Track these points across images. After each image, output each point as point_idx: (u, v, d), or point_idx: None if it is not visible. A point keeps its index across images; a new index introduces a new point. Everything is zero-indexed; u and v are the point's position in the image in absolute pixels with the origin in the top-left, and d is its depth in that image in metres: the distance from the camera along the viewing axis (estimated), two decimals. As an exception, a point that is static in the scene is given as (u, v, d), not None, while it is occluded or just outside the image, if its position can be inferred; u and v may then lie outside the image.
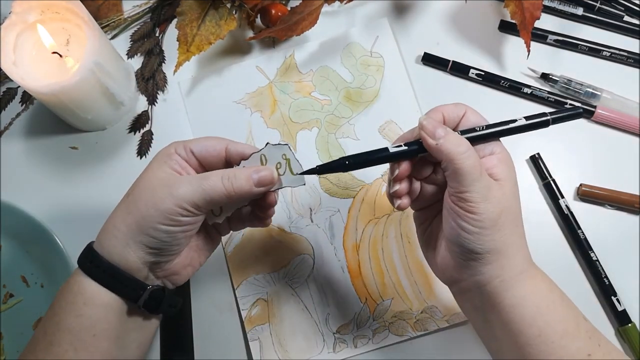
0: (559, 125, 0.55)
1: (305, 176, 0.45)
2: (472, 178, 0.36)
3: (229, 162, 0.41)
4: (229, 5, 0.55)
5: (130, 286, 0.38)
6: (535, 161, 0.54)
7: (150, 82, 0.57)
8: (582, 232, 0.52)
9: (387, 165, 0.54)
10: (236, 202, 0.41)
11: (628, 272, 0.52)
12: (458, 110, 0.41)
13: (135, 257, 0.38)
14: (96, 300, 0.38)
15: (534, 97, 0.55)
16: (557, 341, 0.36)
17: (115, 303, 0.38)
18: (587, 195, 0.53)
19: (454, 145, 0.37)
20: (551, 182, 0.53)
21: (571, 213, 0.52)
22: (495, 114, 0.55)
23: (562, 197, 0.53)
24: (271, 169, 0.40)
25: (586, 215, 0.53)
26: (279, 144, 0.41)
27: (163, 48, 0.58)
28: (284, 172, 0.41)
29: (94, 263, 0.38)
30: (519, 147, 0.55)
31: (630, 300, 0.50)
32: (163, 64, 0.58)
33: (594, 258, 0.51)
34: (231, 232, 0.52)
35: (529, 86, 0.55)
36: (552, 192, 0.53)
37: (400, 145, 0.39)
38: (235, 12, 0.56)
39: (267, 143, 0.41)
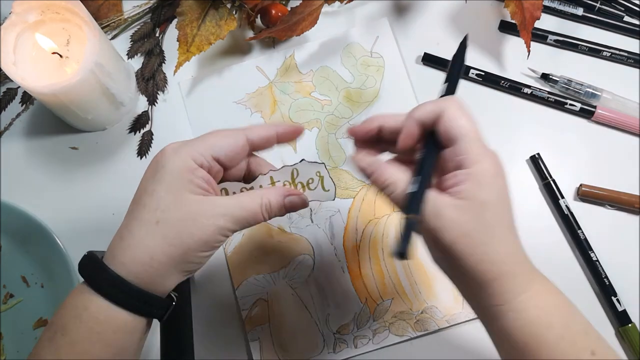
0: (559, 126, 0.55)
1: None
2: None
3: (253, 151, 0.41)
4: (229, 6, 0.55)
5: (159, 306, 0.37)
6: (535, 161, 0.54)
7: (151, 82, 0.57)
8: (582, 232, 0.52)
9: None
10: None
11: (628, 272, 0.52)
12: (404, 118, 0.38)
13: (173, 283, 0.37)
14: (127, 327, 0.36)
15: (534, 97, 0.55)
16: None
17: (141, 324, 0.37)
18: (587, 195, 0.53)
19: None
20: (551, 182, 0.53)
21: (571, 213, 0.52)
22: (495, 114, 0.56)
23: (562, 197, 0.53)
24: (300, 193, 0.41)
25: (586, 215, 0.53)
26: (315, 162, 0.42)
27: (163, 48, 0.58)
28: (315, 188, 0.42)
29: (126, 293, 0.35)
30: (519, 147, 0.55)
31: (630, 301, 0.50)
32: (163, 64, 0.58)
33: (594, 258, 0.51)
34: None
35: (529, 86, 0.55)
36: (552, 192, 0.53)
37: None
38: (236, 12, 0.56)
39: (303, 160, 0.42)
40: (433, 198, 0.36)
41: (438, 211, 0.35)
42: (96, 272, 0.36)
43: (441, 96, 0.40)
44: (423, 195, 0.36)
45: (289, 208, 0.40)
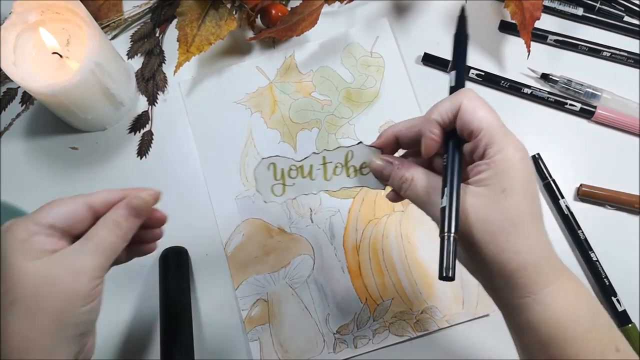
0: (559, 126, 0.55)
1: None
2: (424, 201, 0.36)
3: (98, 217, 0.37)
4: (229, 6, 0.55)
5: None
6: (536, 161, 0.54)
7: (151, 82, 0.57)
8: (582, 232, 0.52)
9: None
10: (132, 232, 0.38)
11: (628, 272, 0.52)
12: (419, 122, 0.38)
13: (66, 354, 0.33)
14: None
15: (534, 97, 0.55)
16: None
17: None
18: (587, 195, 0.53)
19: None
20: (551, 182, 0.53)
21: (571, 213, 0.52)
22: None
23: (562, 197, 0.53)
24: (150, 190, 0.39)
25: (586, 216, 0.53)
26: (372, 147, 0.40)
27: (163, 48, 0.58)
28: (367, 173, 0.41)
29: None
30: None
31: (630, 301, 0.50)
32: (163, 64, 0.58)
33: (594, 258, 0.51)
34: (231, 233, 0.52)
35: (529, 86, 0.55)
36: (552, 192, 0.53)
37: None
38: (236, 13, 0.56)
39: (360, 142, 0.41)
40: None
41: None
42: None
43: (451, 87, 0.39)
44: (457, 208, 0.35)
45: (137, 213, 0.37)
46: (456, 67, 0.40)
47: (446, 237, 0.34)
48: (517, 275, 0.33)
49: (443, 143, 0.37)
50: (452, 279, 0.33)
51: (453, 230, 0.34)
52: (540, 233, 0.34)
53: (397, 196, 0.39)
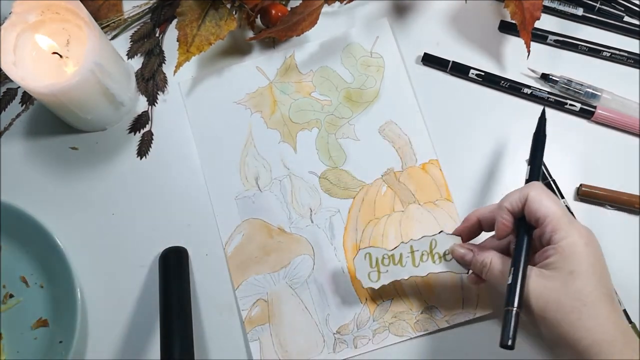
0: (559, 126, 0.55)
1: (307, 176, 0.53)
2: (500, 282, 0.42)
3: None
4: (229, 6, 0.55)
5: None
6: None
7: (151, 82, 0.57)
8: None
9: (386, 166, 0.54)
10: None
11: (628, 272, 0.52)
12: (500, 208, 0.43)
13: None
14: None
15: (534, 97, 0.55)
16: None
17: None
18: (587, 195, 0.53)
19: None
20: (551, 182, 0.53)
21: (571, 213, 0.52)
22: (495, 115, 0.56)
23: (563, 197, 0.53)
24: None
25: (586, 216, 0.53)
26: (452, 235, 0.47)
27: (163, 48, 0.58)
28: (451, 259, 0.47)
29: None
30: (520, 148, 0.55)
31: (630, 300, 0.50)
32: (163, 64, 0.58)
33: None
34: (231, 233, 0.53)
35: (529, 86, 0.55)
36: (552, 192, 0.53)
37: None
38: (235, 13, 0.56)
39: (442, 231, 0.47)
40: (527, 270, 0.40)
41: (527, 286, 0.39)
42: None
43: (526, 180, 0.45)
44: (520, 286, 0.40)
45: None
46: (531, 163, 0.46)
47: (509, 312, 0.39)
48: (591, 352, 0.37)
49: (514, 228, 0.43)
50: (512, 348, 0.38)
51: (515, 305, 0.39)
52: (611, 310, 0.38)
53: (479, 279, 0.45)
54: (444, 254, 0.47)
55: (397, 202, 0.53)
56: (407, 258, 0.48)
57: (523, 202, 0.41)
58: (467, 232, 0.47)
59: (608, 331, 0.37)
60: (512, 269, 0.40)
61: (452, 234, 0.47)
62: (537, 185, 0.42)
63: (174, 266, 0.51)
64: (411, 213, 0.53)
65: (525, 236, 0.42)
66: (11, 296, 0.51)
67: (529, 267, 0.40)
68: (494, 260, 0.43)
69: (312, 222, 0.53)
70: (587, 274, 0.38)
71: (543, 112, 0.48)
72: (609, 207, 0.53)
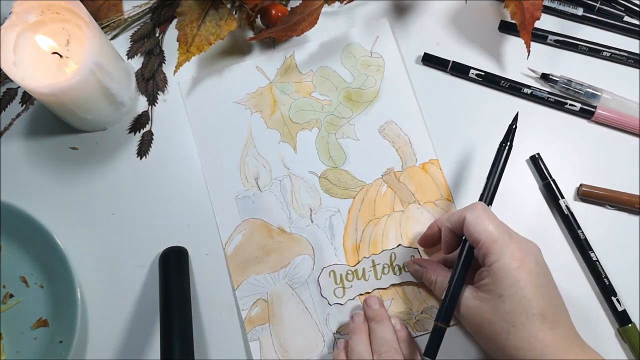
0: (559, 126, 0.55)
1: (306, 176, 0.54)
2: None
3: None
4: (229, 6, 0.55)
5: None
6: (535, 161, 0.54)
7: (151, 82, 0.57)
8: (582, 232, 0.52)
9: (386, 166, 0.54)
10: None
11: (628, 272, 0.52)
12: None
13: None
14: None
15: (534, 97, 0.55)
16: None
17: None
18: (587, 195, 0.53)
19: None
20: (551, 182, 0.53)
21: (571, 213, 0.52)
22: (495, 114, 0.56)
23: (562, 197, 0.53)
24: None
25: (586, 216, 0.53)
26: (409, 247, 0.51)
27: (163, 48, 0.58)
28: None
29: None
30: (520, 147, 0.55)
31: (630, 300, 0.50)
32: (163, 64, 0.58)
33: (594, 258, 0.51)
34: (231, 233, 0.53)
35: (529, 86, 0.55)
36: (552, 192, 0.53)
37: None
38: (236, 13, 0.56)
39: (399, 244, 0.51)
40: (465, 290, 0.44)
41: (465, 304, 0.43)
42: None
43: (480, 195, 0.47)
44: (451, 305, 0.44)
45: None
46: (488, 177, 0.47)
47: (435, 326, 0.44)
48: None
49: (457, 246, 0.46)
50: (434, 359, 0.44)
51: (441, 320, 0.44)
52: (541, 330, 0.40)
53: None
54: (404, 266, 0.51)
55: (397, 202, 0.53)
56: (370, 272, 0.51)
57: (461, 223, 0.44)
58: (430, 240, 0.50)
59: (536, 349, 0.39)
60: (448, 285, 0.44)
61: (410, 246, 0.51)
62: (477, 208, 0.44)
63: (174, 266, 0.51)
64: (411, 213, 0.53)
65: (463, 256, 0.44)
66: (11, 296, 0.51)
67: (469, 286, 0.44)
68: (438, 280, 0.47)
69: (312, 222, 0.53)
70: (516, 297, 0.40)
71: (515, 118, 0.48)
72: (609, 207, 0.53)
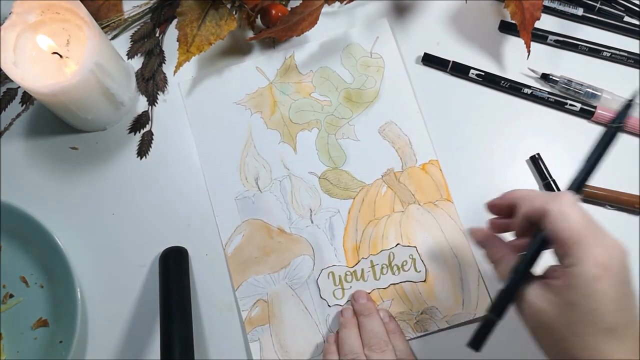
0: (559, 126, 0.55)
1: (306, 176, 0.54)
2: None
3: None
4: (229, 6, 0.55)
5: None
6: (536, 161, 0.54)
7: (151, 82, 0.57)
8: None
9: (386, 166, 0.54)
10: None
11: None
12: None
13: None
14: None
15: (534, 97, 0.55)
16: None
17: None
18: (587, 195, 0.53)
19: None
20: (551, 182, 0.53)
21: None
22: (495, 115, 0.56)
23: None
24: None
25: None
26: (408, 246, 0.51)
27: (163, 48, 0.58)
28: (408, 269, 0.51)
29: None
30: (520, 147, 0.55)
31: None
32: (163, 64, 0.58)
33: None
34: (231, 233, 0.53)
35: (529, 87, 0.55)
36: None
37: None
38: (236, 13, 0.56)
39: (398, 244, 0.51)
40: (531, 285, 0.38)
41: (523, 296, 0.38)
42: None
43: (570, 183, 0.41)
44: (507, 297, 0.38)
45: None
46: (586, 161, 0.41)
47: (489, 317, 0.39)
48: None
49: (531, 233, 0.39)
50: (477, 351, 0.39)
51: (496, 314, 0.38)
52: (606, 344, 0.35)
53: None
54: (402, 265, 0.51)
55: (397, 202, 0.53)
56: (369, 273, 0.51)
57: (540, 215, 0.38)
58: (497, 209, 0.43)
59: None
60: (511, 277, 0.39)
61: (409, 245, 0.51)
62: (564, 200, 0.37)
63: (174, 266, 0.51)
64: (411, 213, 0.53)
65: (534, 249, 0.38)
66: (11, 296, 0.51)
67: (537, 281, 0.38)
68: (503, 262, 0.40)
69: (312, 222, 0.53)
70: (588, 308, 0.35)
71: (635, 94, 0.41)
72: (609, 207, 0.53)
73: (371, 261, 0.51)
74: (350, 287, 0.51)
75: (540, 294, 0.37)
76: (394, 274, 0.51)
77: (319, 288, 0.51)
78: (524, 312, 0.38)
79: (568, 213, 0.36)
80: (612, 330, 0.35)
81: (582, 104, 0.55)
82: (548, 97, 0.55)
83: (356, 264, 0.51)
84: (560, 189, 0.53)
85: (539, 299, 0.37)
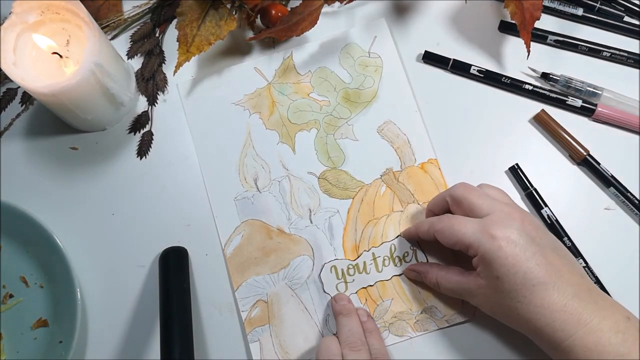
0: (560, 123, 0.55)
1: (305, 177, 0.54)
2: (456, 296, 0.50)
3: None
4: (229, 6, 0.55)
5: None
6: (515, 172, 0.53)
7: (150, 82, 0.57)
8: (569, 238, 0.51)
9: (385, 166, 0.54)
10: None
11: (628, 272, 0.51)
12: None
13: None
14: None
15: (535, 94, 0.55)
16: None
17: None
18: (540, 120, 0.54)
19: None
20: (533, 192, 0.52)
21: (557, 221, 0.52)
22: (495, 113, 0.56)
23: (546, 205, 0.52)
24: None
25: (586, 216, 0.53)
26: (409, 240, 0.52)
27: (163, 48, 0.58)
28: (410, 261, 0.51)
29: None
30: (519, 147, 0.55)
31: (630, 301, 0.50)
32: (163, 64, 0.58)
33: (583, 264, 0.51)
34: (230, 234, 0.53)
35: (530, 83, 0.55)
36: (535, 201, 0.53)
37: None
38: (235, 13, 0.56)
39: (399, 235, 0.52)
40: (466, 281, 0.45)
41: (471, 293, 0.45)
42: None
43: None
44: None
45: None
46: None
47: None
48: (536, 337, 0.42)
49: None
50: None
51: None
52: (544, 297, 0.40)
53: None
54: (403, 256, 0.51)
55: (396, 202, 0.53)
56: (371, 265, 0.51)
57: (432, 233, 0.46)
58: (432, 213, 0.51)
59: (545, 317, 0.40)
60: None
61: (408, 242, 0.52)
62: (443, 218, 0.46)
63: (174, 266, 0.51)
64: (410, 213, 0.53)
65: None
66: (11, 296, 0.51)
67: (472, 275, 0.44)
68: (440, 280, 0.47)
69: (311, 222, 0.53)
70: (510, 274, 0.41)
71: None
72: (609, 208, 0.53)
73: (373, 253, 0.51)
74: (353, 280, 0.51)
75: (477, 283, 0.43)
76: (396, 265, 0.51)
77: (322, 282, 0.51)
78: (478, 305, 0.45)
79: (449, 227, 0.45)
80: (543, 283, 0.40)
81: (583, 101, 0.55)
82: (549, 94, 0.55)
83: (358, 257, 0.52)
84: (549, 196, 0.53)
85: (478, 288, 0.43)
